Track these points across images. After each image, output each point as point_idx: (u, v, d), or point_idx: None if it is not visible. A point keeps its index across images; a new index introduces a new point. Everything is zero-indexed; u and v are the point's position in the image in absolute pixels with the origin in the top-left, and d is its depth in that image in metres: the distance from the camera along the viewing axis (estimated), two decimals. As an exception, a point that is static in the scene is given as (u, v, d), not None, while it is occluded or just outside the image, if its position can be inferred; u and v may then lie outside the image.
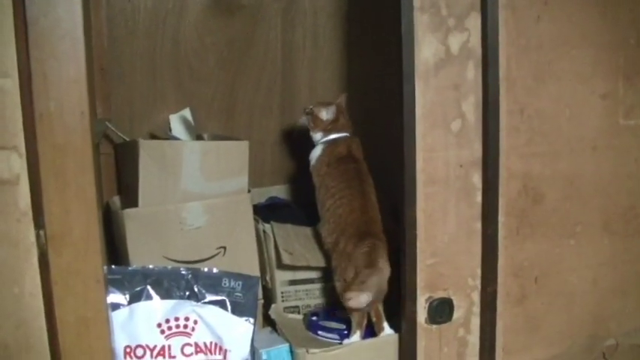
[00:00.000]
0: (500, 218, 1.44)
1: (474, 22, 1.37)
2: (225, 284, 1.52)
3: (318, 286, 1.79)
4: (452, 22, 1.35)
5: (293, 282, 1.77)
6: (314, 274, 1.78)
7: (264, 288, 1.77)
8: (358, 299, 1.49)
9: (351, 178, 1.69)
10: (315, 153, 1.75)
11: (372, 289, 1.51)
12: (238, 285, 1.52)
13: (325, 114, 1.74)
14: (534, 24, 1.40)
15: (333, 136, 1.74)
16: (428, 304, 1.44)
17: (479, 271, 1.46)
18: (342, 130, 1.75)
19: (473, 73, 1.38)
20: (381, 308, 1.58)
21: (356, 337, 1.57)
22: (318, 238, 1.75)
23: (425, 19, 1.34)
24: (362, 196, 1.66)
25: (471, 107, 1.40)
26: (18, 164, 1.16)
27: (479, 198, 1.43)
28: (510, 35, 1.38)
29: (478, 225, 1.44)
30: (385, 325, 1.57)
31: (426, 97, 1.36)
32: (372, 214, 1.63)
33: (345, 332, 1.60)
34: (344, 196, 1.66)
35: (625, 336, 1.60)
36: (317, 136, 1.76)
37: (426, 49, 1.35)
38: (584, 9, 1.43)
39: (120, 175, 1.98)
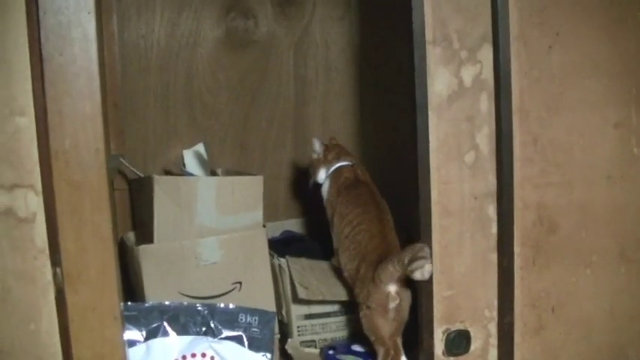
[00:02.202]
0: (516, 249, 1.43)
1: (486, 54, 1.38)
2: (241, 320, 1.52)
3: (334, 319, 1.78)
4: (464, 55, 1.36)
5: (309, 316, 1.76)
6: (330, 308, 1.77)
7: (281, 322, 1.77)
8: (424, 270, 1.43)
9: (365, 203, 1.70)
10: (325, 187, 1.78)
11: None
12: (255, 320, 1.52)
13: (315, 149, 1.81)
14: (546, 54, 1.40)
15: (335, 165, 1.78)
16: (445, 336, 1.43)
17: (495, 303, 1.45)
18: (343, 159, 1.80)
19: (486, 104, 1.39)
20: (399, 342, 1.56)
21: None
22: (334, 271, 1.75)
23: (437, 52, 1.35)
24: (379, 221, 1.66)
25: (485, 139, 1.40)
26: (34, 202, 1.17)
27: (494, 229, 1.43)
28: (522, 66, 1.39)
29: (494, 256, 1.44)
30: (403, 358, 1.56)
31: (440, 130, 1.37)
32: (391, 238, 1.63)
33: (363, 365, 1.59)
34: (362, 222, 1.66)
35: (643, 363, 1.58)
36: (321, 174, 1.79)
37: (439, 81, 1.36)
38: (596, 39, 1.44)
39: (134, 211, 1.99)
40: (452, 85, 1.37)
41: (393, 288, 1.52)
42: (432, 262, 1.41)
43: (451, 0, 1.35)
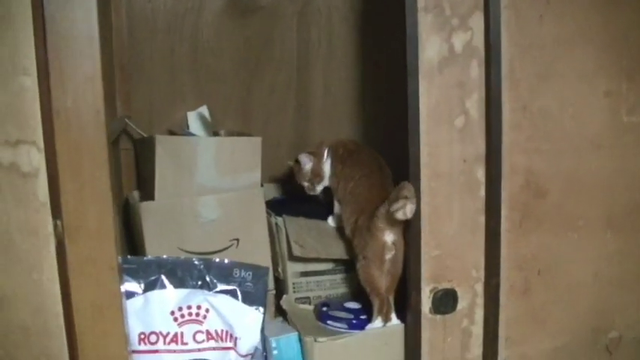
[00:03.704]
0: (504, 212, 1.47)
1: (478, 21, 1.40)
2: (236, 274, 1.57)
3: (329, 277, 1.84)
4: (455, 22, 1.39)
5: (304, 274, 1.81)
6: (325, 266, 1.83)
7: (277, 279, 1.82)
8: (405, 209, 1.47)
9: (366, 162, 1.74)
10: (327, 168, 1.80)
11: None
12: (249, 275, 1.58)
13: (305, 166, 1.80)
14: (537, 23, 1.43)
15: (326, 148, 1.80)
16: (432, 294, 1.48)
17: (483, 264, 1.50)
18: (327, 143, 1.82)
19: (477, 71, 1.42)
20: (391, 299, 1.61)
21: (377, 322, 1.61)
22: (331, 230, 1.83)
23: (429, 18, 1.37)
24: (380, 174, 1.70)
25: (475, 104, 1.43)
26: (37, 158, 1.22)
27: (482, 192, 1.47)
28: (513, 34, 1.41)
29: (482, 218, 1.48)
30: (393, 315, 1.61)
31: (431, 95, 1.40)
32: (391, 190, 1.64)
33: (354, 322, 1.64)
34: (363, 176, 1.70)
35: (628, 329, 1.62)
36: (326, 170, 1.80)
37: (430, 48, 1.39)
38: (587, 8, 1.46)
39: (139, 170, 2.04)
40: (443, 51, 1.39)
41: (389, 238, 1.57)
42: (414, 202, 1.44)
43: (444, -33, 1.38)
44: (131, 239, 1.85)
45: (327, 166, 1.79)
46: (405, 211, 1.45)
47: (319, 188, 1.81)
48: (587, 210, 1.54)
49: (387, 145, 1.80)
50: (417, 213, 1.45)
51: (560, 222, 1.52)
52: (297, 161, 1.81)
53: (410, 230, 1.49)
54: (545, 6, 1.43)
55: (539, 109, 1.46)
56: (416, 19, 1.37)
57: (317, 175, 1.79)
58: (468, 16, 1.40)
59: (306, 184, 1.81)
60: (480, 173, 1.46)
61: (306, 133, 2.22)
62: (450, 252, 1.48)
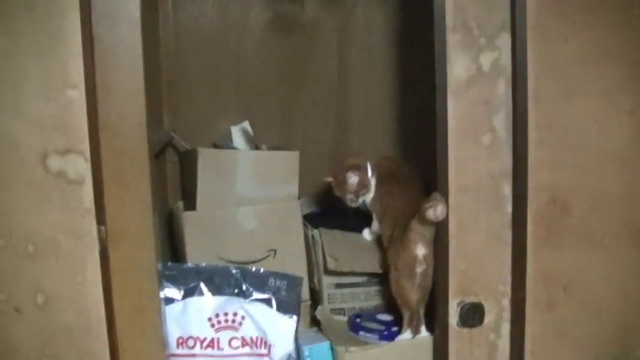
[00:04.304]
0: (529, 227, 1.50)
1: (505, 41, 1.44)
2: (271, 283, 1.64)
3: (363, 289, 1.88)
4: (483, 42, 1.43)
5: (339, 285, 1.86)
6: (359, 279, 1.87)
7: (313, 290, 1.88)
8: (436, 209, 1.50)
9: (408, 181, 1.78)
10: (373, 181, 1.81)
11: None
12: (283, 284, 1.64)
13: (351, 180, 1.79)
14: (562, 43, 1.46)
15: (368, 163, 1.81)
16: (459, 307, 1.51)
17: (509, 278, 1.52)
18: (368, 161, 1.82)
19: (503, 89, 1.46)
20: (421, 312, 1.66)
21: (407, 334, 1.65)
22: (366, 243, 1.87)
23: (457, 38, 1.42)
24: (418, 190, 1.73)
25: (502, 122, 1.47)
26: (84, 167, 1.30)
27: (509, 208, 1.50)
28: (539, 54, 1.45)
29: (508, 234, 1.51)
30: (423, 328, 1.65)
31: (458, 111, 1.45)
32: None
33: (385, 333, 1.69)
34: (402, 192, 1.75)
35: (655, 347, 1.63)
36: (369, 187, 1.81)
37: (458, 66, 1.43)
38: (611, 28, 1.48)
39: (183, 182, 2.13)
40: (471, 69, 1.44)
41: (420, 251, 1.60)
42: (445, 206, 1.47)
43: (471, -11, 1.43)
44: (175, 247, 1.93)
45: (373, 181, 1.80)
46: (435, 210, 1.48)
47: (361, 200, 1.81)
48: (613, 226, 1.55)
49: (423, 159, 1.84)
50: (445, 227, 1.49)
51: (586, 238, 1.54)
52: (335, 177, 1.82)
53: (438, 244, 1.54)
54: (569, 27, 1.46)
55: (564, 127, 1.48)
56: (444, 38, 1.42)
57: (364, 186, 1.79)
58: (495, 36, 1.44)
59: (350, 196, 1.80)
60: (507, 189, 1.49)
61: (346, 147, 2.28)
62: (476, 266, 1.51)
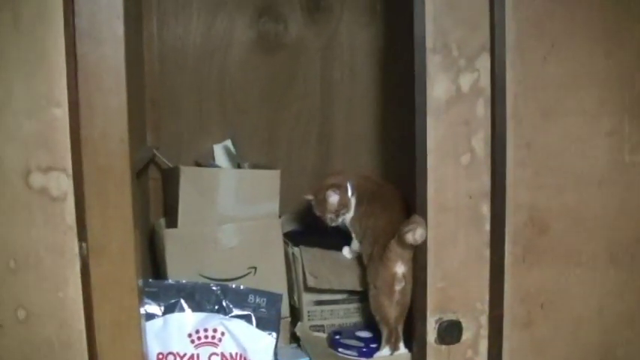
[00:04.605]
0: (507, 247, 1.52)
1: (484, 62, 1.46)
2: (251, 300, 1.64)
3: (342, 307, 1.89)
4: (463, 63, 1.46)
5: (319, 302, 1.87)
6: (339, 296, 1.88)
7: (292, 307, 1.89)
8: (415, 232, 1.51)
9: (389, 200, 1.79)
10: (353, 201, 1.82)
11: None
12: (263, 301, 1.64)
13: (331, 199, 1.81)
14: (541, 64, 1.49)
15: (348, 182, 1.82)
16: (437, 324, 1.52)
17: (487, 296, 1.54)
18: (350, 179, 1.84)
19: (482, 110, 1.48)
20: (400, 329, 1.67)
21: (385, 351, 1.67)
22: (346, 261, 1.89)
23: (437, 59, 1.45)
24: (400, 210, 1.74)
25: (481, 142, 1.49)
26: (66, 183, 1.31)
27: (487, 227, 1.52)
28: (518, 75, 1.48)
29: (487, 252, 1.53)
30: (401, 344, 1.67)
31: (438, 132, 1.47)
32: None
33: (364, 350, 1.71)
34: (383, 212, 1.76)
35: (633, 365, 1.65)
36: (349, 207, 1.82)
37: (438, 87, 1.46)
38: (590, 51, 1.52)
39: (165, 199, 2.14)
40: (450, 90, 1.46)
41: (400, 269, 1.62)
42: (425, 229, 1.49)
43: (452, 11, 1.45)
44: (156, 264, 1.93)
45: (353, 201, 1.82)
46: (414, 233, 1.50)
47: (341, 219, 1.83)
48: (590, 246, 1.57)
49: (404, 178, 1.85)
50: (424, 245, 1.51)
51: (563, 257, 1.56)
52: (316, 195, 1.83)
53: (416, 261, 1.55)
54: (549, 48, 1.49)
55: (542, 147, 1.51)
56: (424, 59, 1.44)
57: (344, 205, 1.80)
58: (475, 57, 1.46)
59: (330, 215, 1.82)
60: (485, 208, 1.51)
61: (328, 165, 2.30)
62: (455, 284, 1.53)
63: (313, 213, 1.87)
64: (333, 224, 1.84)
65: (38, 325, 1.34)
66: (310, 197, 1.85)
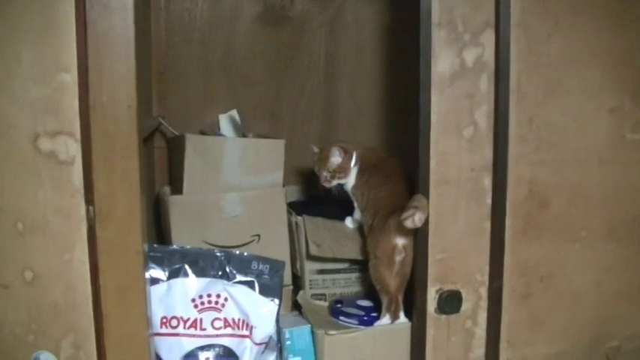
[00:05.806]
0: (508, 220, 1.54)
1: (489, 38, 1.48)
2: (254, 267, 1.67)
3: (344, 276, 1.92)
4: (467, 38, 1.47)
5: (321, 271, 1.90)
6: (341, 265, 1.91)
7: (295, 275, 1.92)
8: (414, 218, 1.52)
9: (393, 173, 1.81)
10: (354, 172, 1.85)
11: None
12: (266, 268, 1.67)
13: (334, 157, 1.83)
14: (545, 41, 1.51)
15: (354, 153, 1.85)
16: (438, 295, 1.55)
17: (487, 268, 1.57)
18: (357, 149, 1.86)
19: (486, 84, 1.50)
20: (400, 298, 1.69)
21: (386, 320, 1.69)
22: (348, 231, 1.91)
23: (442, 34, 1.46)
24: (403, 183, 1.77)
25: (483, 116, 1.51)
26: (74, 148, 1.32)
27: (489, 200, 1.54)
28: (522, 51, 1.49)
29: (487, 225, 1.55)
30: (401, 314, 1.69)
31: (441, 105, 1.48)
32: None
33: (365, 318, 1.73)
34: (386, 184, 1.78)
35: (628, 339, 1.68)
36: (352, 172, 1.85)
37: (443, 61, 1.47)
38: (594, 29, 1.53)
39: (171, 167, 2.16)
40: (454, 65, 1.48)
41: (400, 241, 1.65)
42: (424, 212, 1.51)
43: (457, -14, 1.46)
44: (161, 231, 1.96)
45: (354, 171, 1.84)
46: (413, 219, 1.52)
47: (335, 182, 1.84)
48: (590, 221, 1.60)
49: (408, 152, 1.87)
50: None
51: (563, 231, 1.59)
52: (321, 150, 1.86)
53: (418, 233, 1.57)
54: (553, 25, 1.50)
55: (544, 123, 1.53)
56: (429, 34, 1.46)
57: (343, 170, 1.82)
58: (480, 32, 1.48)
59: (325, 174, 1.83)
60: (487, 182, 1.53)
61: (332, 138, 2.29)
62: (455, 255, 1.55)
63: (316, 185, 1.90)
64: (326, 185, 1.85)
65: (45, 286, 1.36)
66: (316, 149, 1.88)
